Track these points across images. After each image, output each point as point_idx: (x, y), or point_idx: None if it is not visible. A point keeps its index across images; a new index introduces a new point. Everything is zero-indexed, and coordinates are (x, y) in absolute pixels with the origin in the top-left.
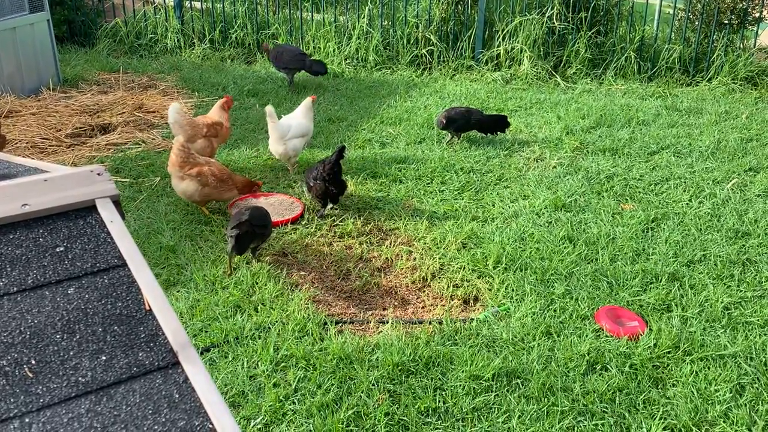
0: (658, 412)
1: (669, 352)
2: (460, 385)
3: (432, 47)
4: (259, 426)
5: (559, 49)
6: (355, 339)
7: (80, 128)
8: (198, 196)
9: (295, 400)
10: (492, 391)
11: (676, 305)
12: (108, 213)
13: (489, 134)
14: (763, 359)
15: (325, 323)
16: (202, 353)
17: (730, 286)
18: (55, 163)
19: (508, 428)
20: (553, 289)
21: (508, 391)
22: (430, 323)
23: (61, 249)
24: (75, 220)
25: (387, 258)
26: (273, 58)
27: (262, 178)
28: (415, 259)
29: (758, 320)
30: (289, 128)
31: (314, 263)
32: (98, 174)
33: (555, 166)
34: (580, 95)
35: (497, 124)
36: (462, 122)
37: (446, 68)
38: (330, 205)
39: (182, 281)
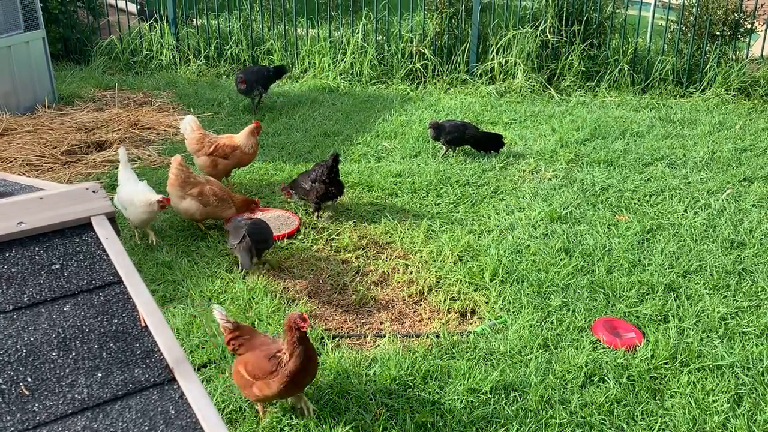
0: (656, 423)
1: (666, 363)
2: (458, 399)
3: (426, 61)
4: None
5: (552, 62)
6: (352, 353)
7: (76, 145)
8: (199, 215)
9: (293, 416)
10: (490, 404)
11: (673, 316)
12: (103, 230)
13: (482, 152)
14: (761, 369)
15: (322, 338)
16: (198, 369)
17: (726, 296)
18: (50, 181)
19: None
20: (550, 301)
21: (506, 404)
22: (427, 337)
23: (57, 266)
24: (71, 238)
25: (384, 272)
26: (251, 83)
27: (258, 193)
28: (411, 272)
29: (755, 330)
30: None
31: (311, 277)
32: (93, 191)
33: (550, 179)
34: (574, 107)
35: (491, 142)
36: (456, 135)
37: (441, 82)
38: (326, 215)
39: (179, 297)
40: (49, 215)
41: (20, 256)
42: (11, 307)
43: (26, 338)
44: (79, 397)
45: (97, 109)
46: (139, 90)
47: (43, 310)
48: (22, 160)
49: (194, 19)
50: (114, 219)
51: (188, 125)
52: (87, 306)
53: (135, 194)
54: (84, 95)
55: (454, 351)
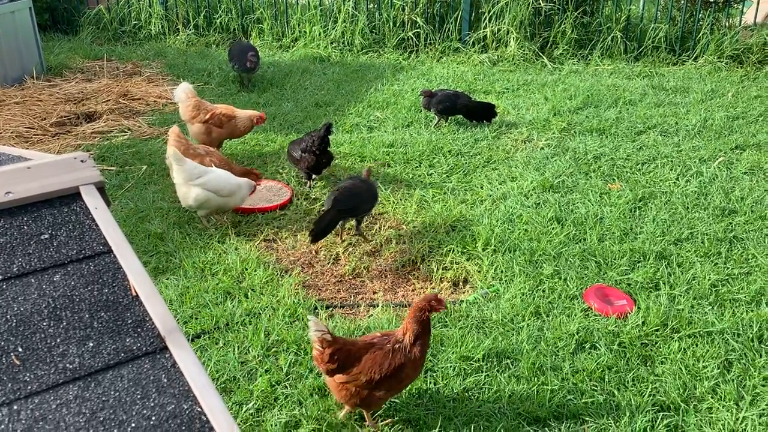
0: (647, 389)
1: (657, 330)
2: (451, 366)
3: (418, 30)
4: (251, 411)
5: (545, 30)
6: (346, 323)
7: (65, 117)
8: None
9: (287, 385)
10: (482, 372)
11: (664, 283)
12: (92, 200)
13: (474, 121)
14: (750, 335)
15: (316, 308)
16: (192, 340)
17: (717, 263)
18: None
19: (499, 408)
20: (542, 269)
21: (498, 371)
22: None
23: (46, 236)
24: (59, 208)
25: (376, 242)
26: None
27: (249, 164)
28: (404, 242)
29: (745, 297)
30: (201, 173)
31: (304, 248)
32: (81, 161)
33: (543, 148)
34: (566, 76)
35: (484, 111)
36: (448, 105)
37: (433, 51)
38: (314, 177)
39: (171, 268)
40: (37, 185)
41: (8, 226)
42: (0, 277)
43: (16, 308)
44: (71, 366)
45: (86, 80)
46: (128, 60)
47: (32, 280)
48: (11, 132)
49: None
50: (103, 189)
51: (182, 93)
52: (77, 276)
53: (235, 178)
54: (72, 66)
55: (446, 320)
